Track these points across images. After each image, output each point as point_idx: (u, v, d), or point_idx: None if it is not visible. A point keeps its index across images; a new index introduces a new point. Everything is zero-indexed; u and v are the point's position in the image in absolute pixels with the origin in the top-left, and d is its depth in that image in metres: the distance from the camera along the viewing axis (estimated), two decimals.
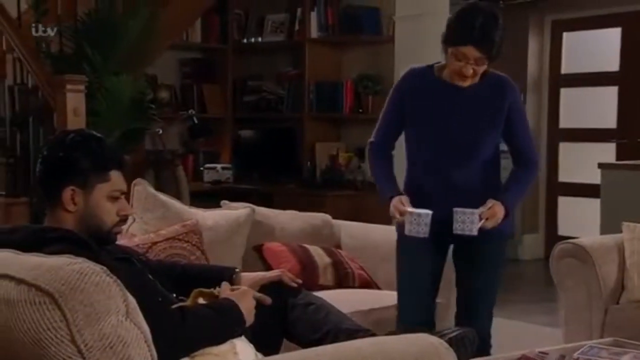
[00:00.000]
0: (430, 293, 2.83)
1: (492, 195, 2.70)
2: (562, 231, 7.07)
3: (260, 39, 6.12)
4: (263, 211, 3.68)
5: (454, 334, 2.14)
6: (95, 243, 1.95)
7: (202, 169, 6.06)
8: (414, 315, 2.77)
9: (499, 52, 2.63)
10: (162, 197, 3.39)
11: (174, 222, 3.26)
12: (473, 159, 2.72)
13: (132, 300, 1.44)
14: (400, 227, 2.76)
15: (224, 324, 1.85)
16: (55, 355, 1.36)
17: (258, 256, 3.49)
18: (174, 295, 2.04)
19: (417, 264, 2.79)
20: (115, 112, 4.68)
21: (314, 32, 5.75)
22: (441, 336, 2.03)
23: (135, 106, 4.82)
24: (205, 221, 3.37)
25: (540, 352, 2.51)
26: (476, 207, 2.65)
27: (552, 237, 6.86)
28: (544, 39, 7.18)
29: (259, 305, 2.20)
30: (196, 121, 5.85)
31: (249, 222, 3.48)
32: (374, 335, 2.06)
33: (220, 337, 1.82)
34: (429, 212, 2.62)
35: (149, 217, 3.29)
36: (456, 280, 2.92)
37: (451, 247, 2.87)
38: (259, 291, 2.24)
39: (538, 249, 7.21)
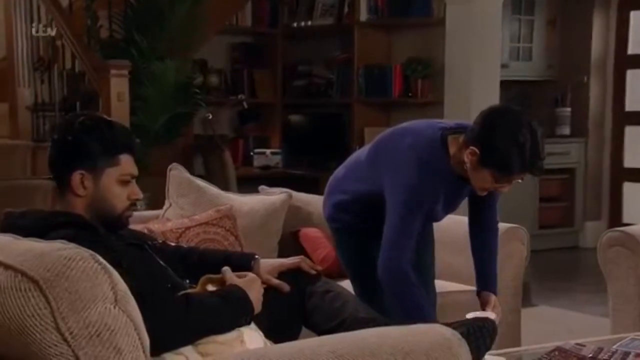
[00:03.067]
0: None
1: None
2: (627, 219, 6.82)
3: (310, 23, 6.07)
4: (302, 197, 3.64)
5: (471, 324, 2.06)
6: (106, 228, 1.94)
7: (251, 154, 6.07)
8: None
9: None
10: (198, 182, 3.38)
11: (209, 207, 3.24)
12: None
13: (122, 288, 1.41)
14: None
15: (230, 312, 1.81)
16: (40, 343, 1.34)
17: (294, 242, 3.45)
18: (188, 281, 2.02)
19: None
20: (161, 97, 4.72)
21: (364, 15, 5.67)
22: (458, 326, 1.96)
23: (181, 91, 4.83)
24: (241, 206, 3.35)
25: (576, 344, 2.42)
26: None
27: (616, 224, 6.61)
28: (610, 18, 6.91)
29: (278, 292, 2.17)
30: (246, 106, 5.85)
31: (286, 207, 3.44)
32: (387, 325, 1.99)
33: (226, 326, 1.78)
34: (494, 315, 2.39)
35: (184, 202, 3.29)
36: None
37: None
38: (278, 278, 2.21)
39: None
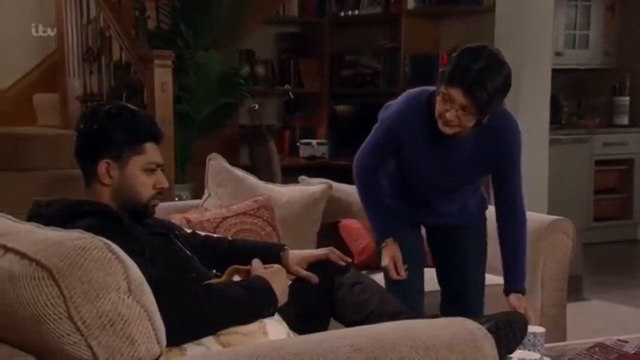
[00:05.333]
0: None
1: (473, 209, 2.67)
2: None
3: (357, 12, 6.01)
4: (343, 187, 3.61)
5: (500, 318, 2.00)
6: (132, 217, 1.94)
7: (297, 144, 6.05)
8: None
9: (489, 107, 2.33)
10: (236, 172, 3.38)
11: (247, 197, 3.25)
12: (456, 192, 2.65)
13: (136, 278, 1.40)
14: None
15: (252, 303, 1.79)
16: (53, 332, 1.34)
17: (334, 233, 3.42)
18: (214, 271, 2.01)
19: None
20: (205, 88, 4.73)
21: (411, 3, 5.59)
22: (485, 321, 1.91)
23: (226, 81, 4.84)
24: (280, 197, 3.34)
25: (618, 340, 2.35)
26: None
27: None
28: None
29: (307, 283, 2.16)
30: (292, 96, 5.83)
31: (325, 198, 3.42)
32: (415, 318, 1.95)
33: (248, 317, 1.76)
34: (543, 329, 2.32)
35: (222, 192, 3.29)
36: (440, 268, 2.80)
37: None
38: (307, 269, 2.19)
39: None
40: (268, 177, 4.69)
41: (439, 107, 2.37)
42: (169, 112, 4.18)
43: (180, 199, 4.34)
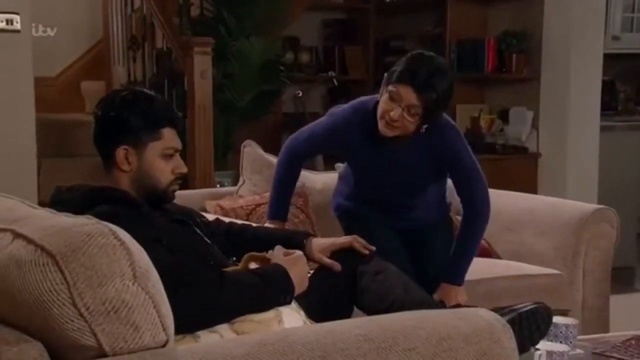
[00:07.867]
0: None
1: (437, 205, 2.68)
2: None
3: None
4: None
5: (524, 309, 1.94)
6: (152, 203, 1.93)
7: None
8: None
9: (435, 110, 2.37)
10: (271, 159, 3.35)
11: None
12: (414, 198, 2.65)
13: (141, 264, 1.38)
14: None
15: (268, 291, 1.76)
16: (57, 318, 1.34)
17: None
18: (234, 259, 1.99)
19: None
20: (247, 75, 4.73)
21: None
22: (507, 312, 1.85)
23: (267, 69, 4.82)
24: (314, 184, 3.32)
25: None
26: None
27: None
28: None
29: (330, 272, 2.13)
30: (336, 83, 5.79)
31: None
32: (437, 307, 1.91)
33: (263, 304, 1.73)
34: (576, 321, 2.27)
35: (257, 179, 3.28)
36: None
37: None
38: (330, 257, 2.16)
39: None
40: (310, 164, 4.66)
41: (384, 106, 2.39)
42: (208, 99, 4.19)
43: (222, 185, 4.36)
